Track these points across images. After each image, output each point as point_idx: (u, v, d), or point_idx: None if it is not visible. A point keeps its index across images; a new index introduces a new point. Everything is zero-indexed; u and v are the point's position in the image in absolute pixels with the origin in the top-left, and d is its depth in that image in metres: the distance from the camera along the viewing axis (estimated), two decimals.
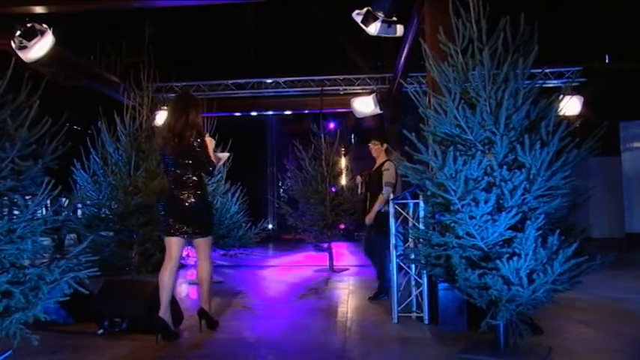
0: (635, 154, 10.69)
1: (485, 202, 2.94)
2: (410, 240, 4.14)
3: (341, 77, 9.43)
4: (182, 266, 8.38)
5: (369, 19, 5.06)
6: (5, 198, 2.98)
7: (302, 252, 10.35)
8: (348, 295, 5.57)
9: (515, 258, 2.89)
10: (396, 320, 4.18)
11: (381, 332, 3.96)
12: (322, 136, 8.32)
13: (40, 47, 5.17)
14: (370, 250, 5.31)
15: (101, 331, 3.79)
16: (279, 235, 15.29)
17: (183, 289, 6.37)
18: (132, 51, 8.34)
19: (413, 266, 4.22)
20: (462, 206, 2.99)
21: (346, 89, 9.44)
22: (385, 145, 5.25)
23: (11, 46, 5.17)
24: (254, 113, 11.50)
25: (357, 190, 5.73)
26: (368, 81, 9.39)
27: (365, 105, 8.87)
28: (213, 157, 3.82)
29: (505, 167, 2.99)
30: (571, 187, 3.03)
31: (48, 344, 3.54)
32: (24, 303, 2.95)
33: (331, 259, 7.89)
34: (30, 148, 3.01)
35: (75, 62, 7.74)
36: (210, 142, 3.85)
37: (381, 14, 5.05)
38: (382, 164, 5.13)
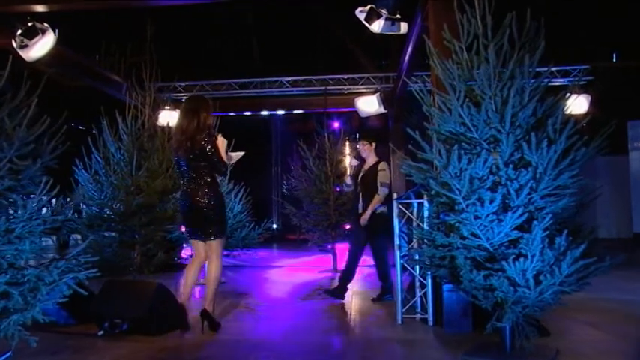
0: None
1: (491, 202, 2.88)
2: (414, 240, 4.09)
3: (345, 76, 9.37)
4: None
5: (372, 16, 5.00)
6: (3, 198, 2.95)
7: (306, 252, 10.30)
8: (351, 296, 5.51)
9: (521, 259, 2.83)
10: (399, 322, 4.12)
11: (384, 334, 3.91)
12: (326, 135, 8.28)
13: (42, 46, 5.14)
14: (355, 250, 5.17)
15: (101, 332, 3.75)
16: (283, 235, 15.26)
17: None
18: (136, 51, 8.32)
19: (417, 267, 4.16)
20: (467, 206, 2.93)
21: (350, 88, 9.38)
22: (374, 145, 5.21)
23: (12, 45, 5.15)
24: (258, 113, 11.47)
25: (344, 186, 5.52)
26: (372, 80, 9.33)
27: (369, 104, 8.80)
28: (225, 158, 3.90)
29: (511, 166, 2.93)
30: (579, 187, 2.96)
31: (48, 345, 3.51)
32: (22, 304, 2.92)
33: (335, 259, 7.84)
34: (29, 147, 2.99)
35: (77, 61, 7.72)
36: (222, 143, 3.93)
37: (384, 11, 4.99)
38: (376, 164, 5.09)
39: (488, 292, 3.00)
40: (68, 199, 3.31)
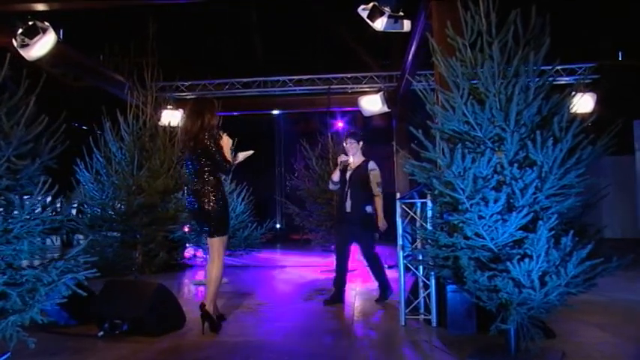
0: None
1: (495, 202, 2.83)
2: (417, 240, 4.04)
3: (348, 75, 9.32)
4: (189, 266, 8.35)
5: (375, 14, 4.95)
6: (1, 197, 2.92)
7: (309, 252, 10.26)
8: (354, 297, 5.47)
9: (526, 260, 2.77)
10: (403, 323, 4.08)
11: (387, 335, 3.87)
12: (329, 134, 8.23)
13: (42, 45, 5.12)
14: (343, 252, 5.07)
15: (101, 333, 3.72)
16: (287, 236, 15.21)
17: (189, 290, 6.31)
18: (139, 50, 8.31)
19: (421, 267, 4.12)
20: (471, 205, 2.88)
21: (354, 87, 9.33)
22: (361, 144, 5.17)
23: (13, 44, 5.13)
24: (261, 112, 11.44)
25: (330, 184, 5.33)
26: (375, 79, 9.28)
27: (372, 103, 8.76)
28: (229, 157, 3.96)
29: (516, 165, 2.88)
30: (585, 186, 2.91)
31: (47, 346, 3.49)
32: (20, 305, 2.89)
33: None
34: (27, 146, 2.96)
35: (81, 61, 7.71)
36: (227, 142, 4.01)
37: (387, 9, 4.94)
38: (364, 164, 5.05)
39: (492, 294, 2.95)
40: (68, 199, 3.30)
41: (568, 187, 2.87)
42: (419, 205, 4.07)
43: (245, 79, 9.40)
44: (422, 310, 4.19)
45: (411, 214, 4.12)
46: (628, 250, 2.98)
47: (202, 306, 3.84)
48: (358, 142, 5.15)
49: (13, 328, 2.86)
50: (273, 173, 17.31)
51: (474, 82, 3.11)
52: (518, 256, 2.81)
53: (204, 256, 7.47)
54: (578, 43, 9.37)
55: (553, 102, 2.99)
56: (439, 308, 3.99)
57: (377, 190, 4.96)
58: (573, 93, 3.07)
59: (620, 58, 10.69)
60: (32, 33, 5.07)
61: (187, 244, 8.01)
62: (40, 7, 5.13)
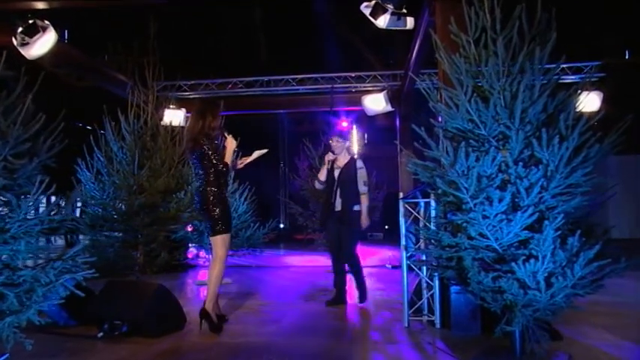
0: None
1: (500, 201, 2.77)
2: (420, 241, 3.99)
3: (352, 74, 9.25)
4: (191, 266, 8.32)
5: (377, 11, 4.89)
6: None
7: (313, 252, 10.19)
8: (357, 298, 5.41)
9: (531, 260, 2.71)
10: (406, 324, 4.02)
11: (390, 336, 3.81)
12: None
13: (43, 44, 5.08)
14: (337, 252, 5.01)
15: (101, 334, 3.69)
16: (290, 235, 15.17)
17: (191, 290, 6.28)
18: (142, 50, 8.30)
19: (424, 268, 4.06)
20: (475, 205, 2.82)
21: (357, 87, 9.26)
22: (348, 143, 5.16)
23: (13, 43, 5.10)
24: (264, 112, 11.38)
25: (317, 183, 5.29)
26: (379, 78, 9.21)
27: (376, 102, 8.69)
28: (228, 158, 4.03)
29: (521, 164, 2.81)
30: (592, 185, 2.84)
31: (46, 347, 3.47)
32: (17, 306, 2.85)
33: None
34: (25, 145, 2.92)
35: (83, 61, 7.69)
36: (231, 143, 4.07)
37: (390, 6, 4.88)
38: (352, 162, 5.01)
39: (497, 295, 2.89)
40: (67, 199, 3.26)
41: (575, 186, 2.80)
42: (422, 204, 4.01)
43: (248, 79, 9.34)
44: (425, 312, 4.13)
45: (415, 213, 4.06)
46: (636, 251, 2.92)
47: (203, 304, 3.85)
48: (345, 140, 5.12)
49: (10, 329, 2.82)
50: (277, 173, 17.29)
51: (478, 78, 3.05)
52: (524, 257, 2.74)
53: (207, 256, 7.44)
54: (584, 41, 9.28)
55: (559, 99, 2.93)
56: (443, 309, 3.94)
57: (363, 189, 4.93)
58: (579, 91, 3.00)
59: (626, 57, 10.59)
60: (32, 31, 5.04)
61: (191, 245, 7.97)
62: (40, 5, 5.10)
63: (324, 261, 8.64)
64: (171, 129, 5.78)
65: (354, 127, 10.76)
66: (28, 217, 2.92)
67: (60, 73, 8.41)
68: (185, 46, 10.64)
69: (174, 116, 7.30)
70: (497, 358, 3.11)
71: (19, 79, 2.98)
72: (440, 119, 3.25)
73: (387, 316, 4.48)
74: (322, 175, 5.13)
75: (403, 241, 4.07)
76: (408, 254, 4.08)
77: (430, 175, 3.13)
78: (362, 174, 4.97)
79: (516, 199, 2.82)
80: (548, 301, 2.79)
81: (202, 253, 7.96)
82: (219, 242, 3.97)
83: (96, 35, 8.92)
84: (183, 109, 8.57)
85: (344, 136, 5.22)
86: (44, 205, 3.07)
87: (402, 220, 4.09)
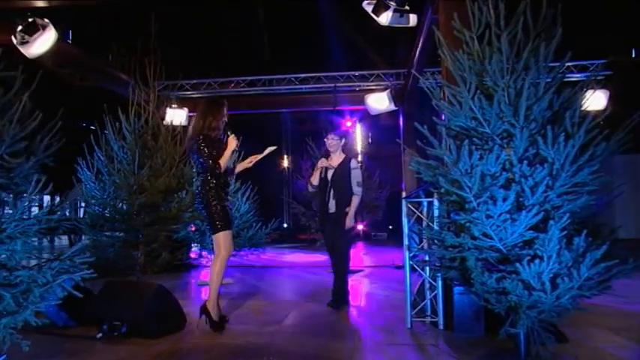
0: None
1: (504, 200, 2.71)
2: (423, 241, 3.93)
3: (355, 73, 9.19)
4: (193, 266, 8.28)
5: (380, 8, 4.82)
6: None
7: (316, 252, 10.17)
8: (360, 298, 5.36)
9: (536, 261, 2.65)
10: (409, 325, 3.97)
11: (392, 338, 3.76)
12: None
13: (42, 42, 5.05)
14: (333, 249, 4.96)
15: (100, 334, 3.65)
16: (294, 235, 15.13)
17: (192, 291, 6.24)
18: (145, 50, 8.27)
19: (427, 268, 4.00)
20: (478, 204, 2.76)
21: (360, 85, 9.20)
22: (344, 141, 5.07)
23: (12, 42, 5.07)
24: (267, 111, 11.34)
25: (309, 187, 5.21)
26: (382, 77, 9.15)
27: (379, 101, 8.64)
28: (226, 158, 3.99)
29: (525, 162, 2.76)
30: (599, 184, 2.78)
31: (45, 348, 3.43)
32: (14, 307, 2.81)
33: None
34: (21, 144, 2.88)
35: (85, 61, 7.67)
36: (232, 144, 4.05)
37: (392, 3, 4.82)
38: (346, 162, 4.91)
39: (501, 296, 2.83)
40: (65, 198, 3.22)
41: (581, 184, 2.74)
42: (425, 204, 3.95)
43: (250, 78, 9.30)
44: (428, 313, 4.07)
45: (417, 213, 4.00)
46: None
47: (203, 306, 3.87)
48: (341, 139, 5.06)
49: (6, 330, 2.79)
50: (280, 172, 17.27)
51: (482, 76, 2.99)
52: (528, 257, 2.69)
53: (209, 256, 7.40)
54: (589, 39, 9.19)
55: (565, 96, 2.87)
56: (446, 310, 3.88)
57: (357, 190, 4.83)
58: (585, 89, 2.94)
59: (632, 56, 10.50)
60: (32, 30, 5.01)
61: (193, 244, 7.94)
62: (40, 3, 5.08)
63: (326, 261, 8.62)
64: (172, 128, 5.73)
65: (358, 126, 10.72)
66: (24, 216, 2.88)
67: (63, 73, 8.41)
68: (187, 46, 10.62)
69: (175, 115, 7.27)
70: None
71: (16, 77, 2.94)
72: (443, 117, 3.20)
73: (389, 317, 4.42)
74: (315, 180, 5.07)
75: (406, 241, 4.02)
76: (411, 254, 4.02)
77: (433, 174, 3.08)
78: (356, 174, 4.87)
79: (521, 199, 2.76)
80: (554, 303, 2.73)
81: (205, 253, 7.92)
82: (221, 240, 3.96)
83: (97, 35, 8.91)
84: (185, 109, 8.54)
85: (339, 134, 5.13)
86: (44, 204, 3.03)
87: (404, 219, 4.03)
